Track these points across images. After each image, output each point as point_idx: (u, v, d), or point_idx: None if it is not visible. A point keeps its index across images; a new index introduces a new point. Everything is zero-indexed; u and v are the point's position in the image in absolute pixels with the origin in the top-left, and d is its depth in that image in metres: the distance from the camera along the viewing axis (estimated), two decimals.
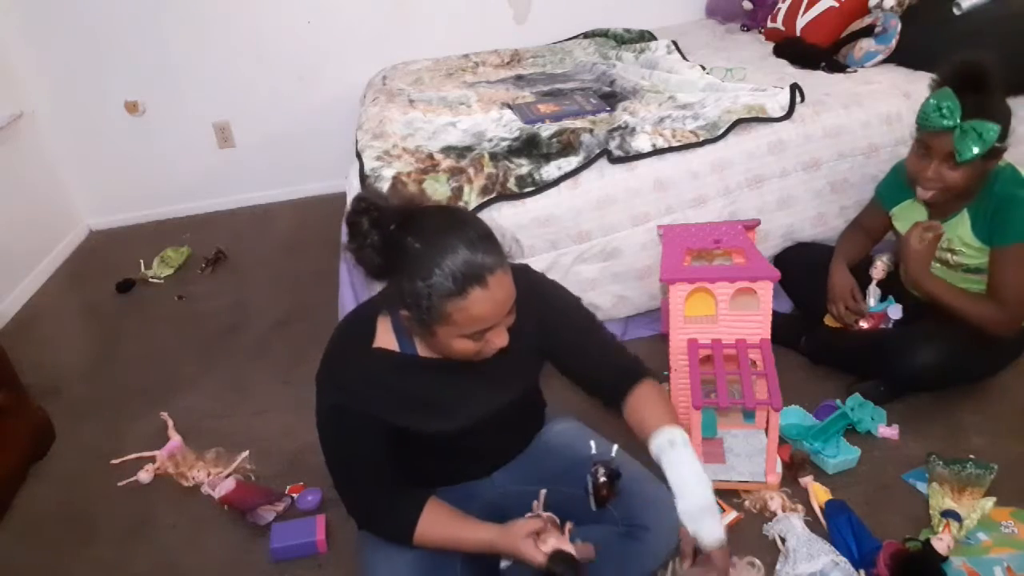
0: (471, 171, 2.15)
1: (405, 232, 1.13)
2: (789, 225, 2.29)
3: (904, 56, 2.57)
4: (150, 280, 3.16)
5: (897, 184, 2.01)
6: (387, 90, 2.98)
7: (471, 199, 2.10)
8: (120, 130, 3.54)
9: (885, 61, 2.62)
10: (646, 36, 3.30)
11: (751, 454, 1.82)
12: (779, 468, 1.77)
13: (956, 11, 2.49)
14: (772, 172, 2.24)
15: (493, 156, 2.22)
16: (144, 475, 2.04)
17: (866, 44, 2.66)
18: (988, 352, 1.90)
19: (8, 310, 3.02)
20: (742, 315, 1.80)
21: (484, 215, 2.10)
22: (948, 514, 1.58)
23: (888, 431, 1.88)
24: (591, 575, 1.35)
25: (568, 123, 2.38)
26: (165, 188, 3.71)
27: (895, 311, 1.99)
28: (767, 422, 1.71)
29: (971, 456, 1.74)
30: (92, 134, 3.54)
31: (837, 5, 2.81)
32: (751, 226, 2.05)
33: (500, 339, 1.20)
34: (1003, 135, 1.71)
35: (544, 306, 1.37)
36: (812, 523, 1.64)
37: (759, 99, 2.31)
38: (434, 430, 1.31)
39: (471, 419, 1.33)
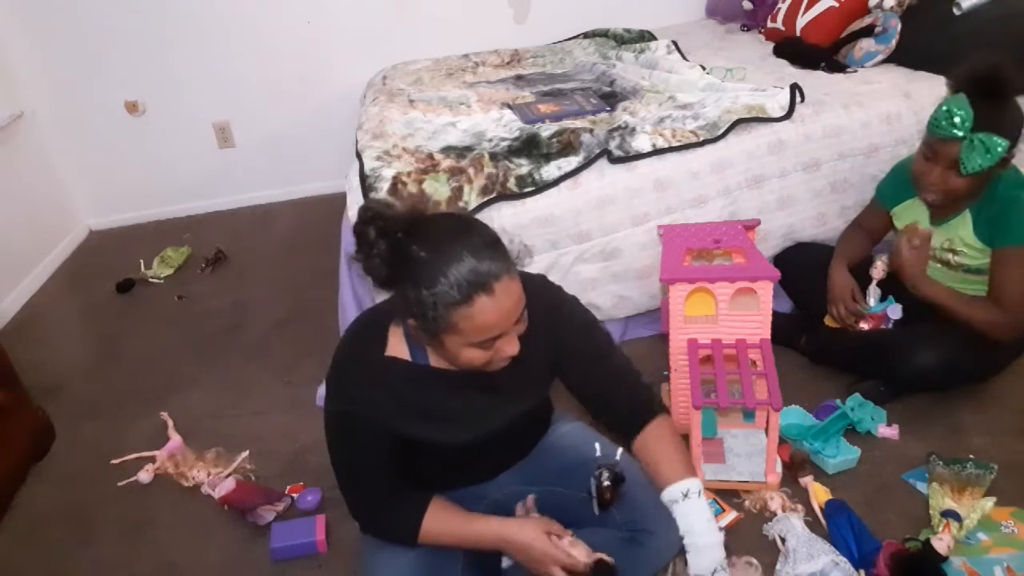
0: (471, 171, 2.15)
1: (411, 240, 1.12)
2: (789, 225, 2.29)
3: (904, 56, 2.57)
4: (150, 280, 3.16)
5: (898, 184, 2.01)
6: (387, 90, 2.98)
7: (471, 199, 2.10)
8: (120, 130, 3.54)
9: (885, 61, 2.62)
10: (646, 36, 3.30)
11: (751, 454, 1.82)
12: (779, 468, 1.77)
13: (956, 11, 2.49)
14: (772, 172, 2.24)
15: (493, 156, 2.22)
16: (144, 475, 2.04)
17: (866, 44, 2.66)
18: (988, 352, 1.90)
19: (8, 310, 3.02)
20: (742, 315, 1.80)
21: (484, 215, 2.10)
22: (948, 514, 1.58)
23: (888, 431, 1.88)
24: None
25: (568, 123, 2.38)
26: (165, 188, 3.71)
27: (895, 311, 1.99)
28: (767, 422, 1.71)
29: (971, 456, 1.74)
30: (92, 134, 3.54)
31: (837, 5, 2.81)
32: (751, 226, 2.05)
33: (511, 347, 1.17)
34: (1012, 145, 1.70)
35: (561, 321, 1.35)
36: (812, 523, 1.64)
37: (759, 99, 2.31)
38: (443, 441, 1.31)
39: (481, 432, 1.32)
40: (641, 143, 2.19)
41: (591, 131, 2.28)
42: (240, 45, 3.46)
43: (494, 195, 2.11)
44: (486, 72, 3.18)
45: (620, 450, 1.37)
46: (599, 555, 1.27)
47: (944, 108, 1.71)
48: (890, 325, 1.99)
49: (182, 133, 3.60)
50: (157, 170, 3.66)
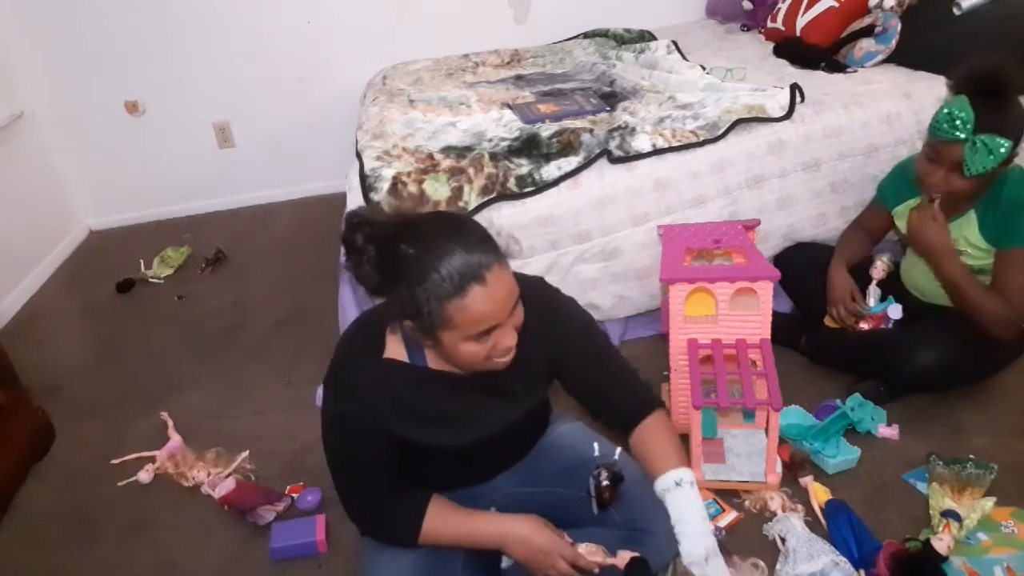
0: (471, 171, 2.15)
1: (399, 241, 1.12)
2: (789, 225, 2.29)
3: (904, 56, 2.57)
4: (150, 280, 3.16)
5: (900, 183, 2.01)
6: (387, 90, 2.98)
7: (471, 199, 2.10)
8: (120, 130, 3.54)
9: (885, 61, 2.62)
10: (646, 36, 3.30)
11: (751, 454, 1.82)
12: (779, 468, 1.77)
13: (956, 11, 2.49)
14: (772, 172, 2.24)
15: (493, 156, 2.22)
16: (144, 475, 2.04)
17: (866, 44, 2.66)
18: (988, 352, 1.90)
19: (8, 310, 3.02)
20: (742, 315, 1.80)
21: (484, 215, 2.10)
22: (948, 514, 1.58)
23: (888, 431, 1.88)
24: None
25: (568, 123, 2.38)
26: (165, 188, 3.71)
27: (895, 311, 1.99)
28: (767, 422, 1.71)
29: (971, 456, 1.74)
30: (92, 134, 3.54)
31: (837, 5, 2.81)
32: (751, 226, 2.05)
33: (508, 339, 1.17)
34: (1015, 145, 1.69)
35: (559, 323, 1.35)
36: (812, 523, 1.64)
37: (759, 99, 2.31)
38: (441, 444, 1.30)
39: (480, 434, 1.32)
40: (641, 143, 2.19)
41: (591, 131, 2.28)
42: (240, 45, 3.46)
43: (494, 195, 2.11)
44: (486, 72, 3.18)
45: (619, 449, 1.38)
46: (630, 553, 1.26)
47: (945, 111, 1.71)
48: (890, 325, 1.99)
49: (182, 133, 3.60)
50: (157, 170, 3.66)
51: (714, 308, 1.81)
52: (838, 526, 1.60)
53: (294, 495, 1.90)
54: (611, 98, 2.61)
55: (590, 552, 1.27)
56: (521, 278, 1.22)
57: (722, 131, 2.20)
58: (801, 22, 2.91)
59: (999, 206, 1.78)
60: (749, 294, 1.77)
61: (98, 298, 3.09)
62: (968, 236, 1.84)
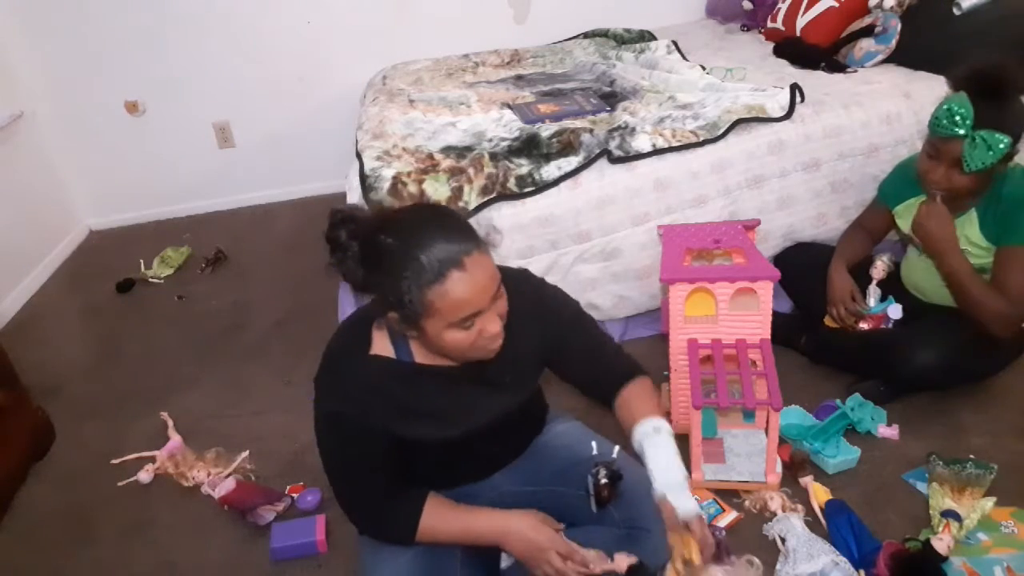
0: (471, 171, 2.15)
1: (380, 233, 1.14)
2: (789, 225, 2.29)
3: (904, 56, 2.57)
4: (150, 280, 3.16)
5: (901, 183, 2.01)
6: (387, 90, 2.98)
7: (471, 199, 2.10)
8: (120, 130, 3.54)
9: (885, 61, 2.62)
10: (646, 36, 3.30)
11: (751, 454, 1.82)
12: (779, 468, 1.77)
13: (956, 11, 2.49)
14: (772, 172, 2.24)
15: (493, 156, 2.22)
16: (144, 475, 2.04)
17: (866, 44, 2.66)
18: (988, 352, 1.90)
19: (8, 310, 3.02)
20: (742, 315, 1.80)
21: (484, 215, 2.10)
22: (948, 514, 1.58)
23: (888, 431, 1.88)
24: None
25: (568, 123, 2.38)
26: (165, 188, 3.71)
27: (895, 311, 1.99)
28: (767, 422, 1.71)
29: (971, 456, 1.74)
30: (92, 134, 3.54)
31: (837, 5, 2.81)
32: (751, 226, 2.05)
33: (492, 325, 1.18)
34: (1014, 141, 1.69)
35: (548, 314, 1.37)
36: (812, 523, 1.64)
37: (759, 99, 2.31)
38: (433, 438, 1.31)
39: (471, 427, 1.33)
40: (641, 143, 2.19)
41: (591, 131, 2.28)
42: (240, 45, 3.46)
43: (494, 195, 2.11)
44: (486, 72, 3.18)
45: (617, 448, 1.38)
46: (628, 558, 1.27)
47: (945, 107, 1.71)
48: (890, 325, 1.99)
49: (182, 133, 3.60)
50: (157, 170, 3.66)
51: (714, 308, 1.81)
52: (838, 526, 1.60)
53: (294, 495, 1.91)
54: (611, 98, 2.61)
55: (589, 558, 1.27)
56: (505, 270, 1.24)
57: (722, 131, 2.20)
58: (801, 22, 2.91)
59: (1000, 204, 1.79)
60: (749, 294, 1.77)
61: (98, 298, 3.09)
62: (969, 234, 1.84)
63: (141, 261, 3.25)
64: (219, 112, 3.60)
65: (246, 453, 2.07)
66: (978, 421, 1.90)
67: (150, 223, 3.74)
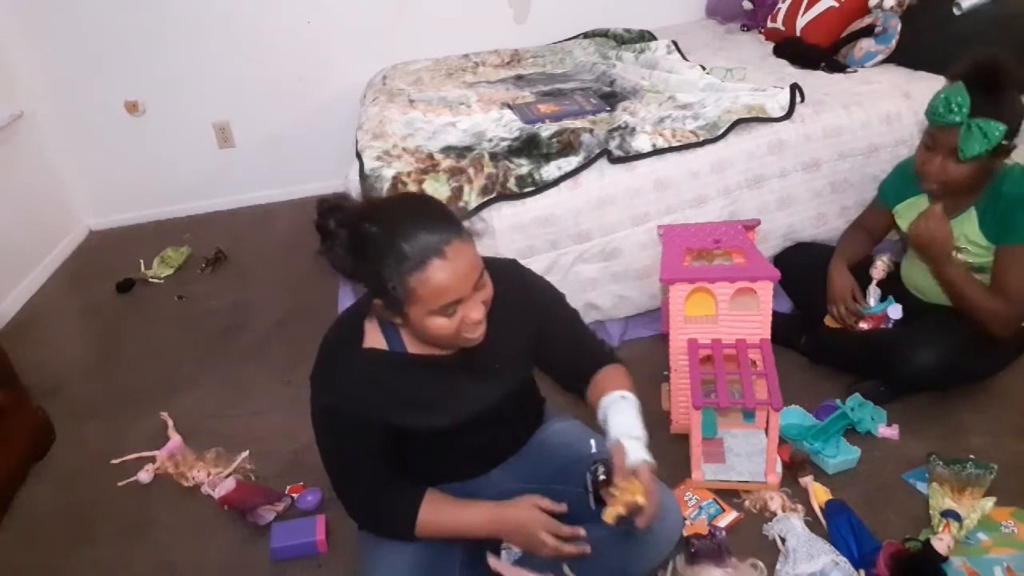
0: (471, 171, 2.15)
1: (365, 221, 1.16)
2: (789, 225, 2.29)
3: (904, 56, 2.57)
4: (150, 280, 3.16)
5: (901, 182, 2.01)
6: (387, 90, 2.98)
7: (471, 199, 2.10)
8: (120, 130, 3.54)
9: (885, 61, 2.62)
10: (646, 36, 3.30)
11: (751, 454, 1.82)
12: (779, 468, 1.77)
13: (956, 11, 2.49)
14: (772, 172, 2.24)
15: (493, 156, 2.22)
16: (144, 475, 2.04)
17: (866, 44, 2.66)
18: (988, 352, 1.90)
19: (8, 310, 3.02)
20: (742, 315, 1.80)
21: (484, 215, 2.10)
22: (948, 514, 1.58)
23: (888, 431, 1.88)
24: (591, 572, 1.35)
25: (568, 123, 2.38)
26: (165, 188, 3.71)
27: (895, 311, 1.99)
28: (767, 422, 1.71)
29: (971, 456, 1.74)
30: (92, 134, 3.54)
31: (837, 5, 2.81)
32: (751, 226, 2.05)
33: (475, 312, 1.19)
34: (1011, 134, 1.70)
35: (532, 301, 1.40)
36: (812, 523, 1.64)
37: (759, 99, 2.31)
38: (428, 426, 1.32)
39: (464, 415, 1.34)
40: (641, 143, 2.19)
41: (591, 131, 2.28)
42: (240, 45, 3.46)
43: (494, 195, 2.11)
44: (486, 72, 3.18)
45: None
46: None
47: (942, 96, 1.72)
48: (890, 325, 1.99)
49: (182, 133, 3.60)
50: (157, 170, 3.66)
51: (714, 308, 1.81)
52: (838, 526, 1.60)
53: (294, 495, 1.91)
54: (611, 98, 2.61)
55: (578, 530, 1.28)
56: (493, 260, 1.28)
57: (722, 131, 2.20)
58: (801, 22, 2.91)
59: (999, 203, 1.79)
60: (749, 294, 1.77)
61: (98, 298, 3.09)
62: (968, 233, 1.84)
63: (141, 261, 3.25)
64: (219, 112, 3.60)
65: (246, 453, 2.07)
66: (978, 421, 1.90)
67: (150, 223, 3.74)
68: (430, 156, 2.27)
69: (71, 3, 3.28)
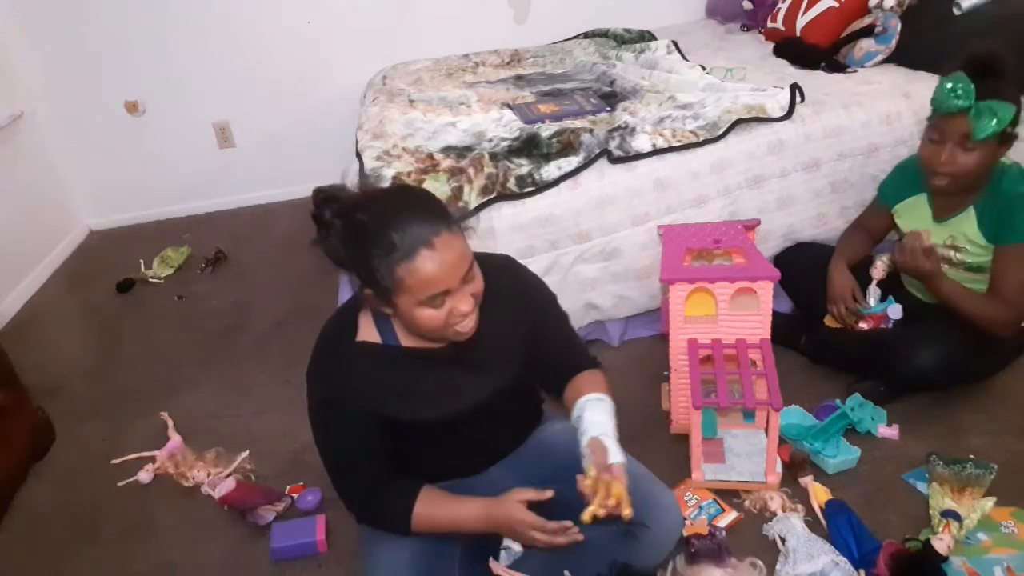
0: (471, 171, 2.15)
1: (357, 211, 1.18)
2: (789, 225, 2.29)
3: (904, 56, 2.57)
4: (150, 280, 3.16)
5: (900, 182, 2.01)
6: (387, 90, 2.98)
7: (471, 199, 2.10)
8: (120, 130, 3.54)
9: (885, 61, 2.62)
10: (646, 36, 3.30)
11: (751, 454, 1.82)
12: (779, 468, 1.76)
13: (956, 11, 2.49)
14: (772, 172, 2.24)
15: (493, 156, 2.22)
16: (144, 475, 2.04)
17: (866, 44, 2.66)
18: (988, 352, 1.90)
19: (8, 310, 3.02)
20: (742, 315, 1.80)
21: (484, 215, 2.10)
22: (948, 514, 1.58)
23: (888, 431, 1.88)
24: (591, 571, 1.35)
25: (568, 123, 2.38)
26: (165, 188, 3.71)
27: (895, 311, 1.99)
28: (767, 422, 1.71)
29: (971, 456, 1.74)
30: (92, 134, 3.54)
31: (837, 5, 2.81)
32: (751, 226, 2.05)
33: (463, 304, 1.20)
34: (1016, 119, 1.71)
35: (525, 298, 1.41)
36: (812, 523, 1.64)
37: (759, 99, 2.31)
38: (421, 418, 1.32)
39: (457, 408, 1.34)
40: (641, 143, 2.19)
41: (591, 131, 2.28)
42: (240, 45, 3.46)
43: (494, 195, 2.11)
44: (486, 72, 3.18)
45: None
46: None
47: (946, 84, 1.72)
48: (890, 325, 1.99)
49: (182, 133, 3.60)
50: (157, 170, 3.66)
51: (714, 308, 1.81)
52: (838, 526, 1.60)
53: (294, 495, 1.91)
54: (611, 98, 2.61)
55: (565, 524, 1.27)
56: (488, 256, 1.30)
57: (722, 131, 2.20)
58: (801, 22, 2.91)
59: (998, 201, 1.79)
60: (749, 294, 1.77)
61: (98, 298, 3.09)
62: (967, 232, 1.84)
63: (141, 261, 3.25)
64: (219, 112, 3.60)
65: (246, 453, 2.07)
66: (978, 421, 1.90)
67: (150, 223, 3.74)
68: (430, 156, 2.27)
69: (71, 3, 3.28)
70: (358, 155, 2.35)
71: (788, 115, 2.25)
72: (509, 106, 2.62)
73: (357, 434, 1.30)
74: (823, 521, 1.65)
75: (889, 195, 2.05)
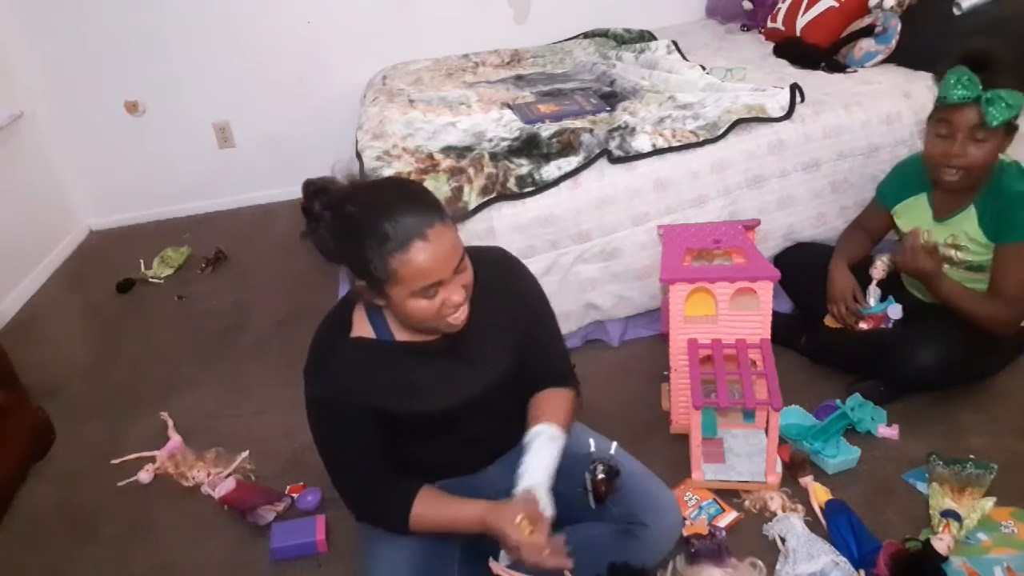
0: (471, 171, 2.15)
1: (348, 202, 1.18)
2: (789, 225, 2.29)
3: (904, 56, 2.57)
4: (150, 280, 3.16)
5: (900, 183, 2.01)
6: (387, 90, 2.98)
7: (471, 199, 2.10)
8: (120, 130, 3.54)
9: (885, 61, 2.62)
10: (646, 36, 3.30)
11: (751, 454, 1.82)
12: (779, 468, 1.76)
13: (956, 11, 2.49)
14: (772, 172, 2.24)
15: (493, 156, 2.22)
16: (144, 475, 2.04)
17: (866, 44, 2.66)
18: (988, 352, 1.90)
19: (8, 310, 3.02)
20: (742, 315, 1.80)
21: (484, 215, 2.10)
22: (948, 514, 1.58)
23: (888, 431, 1.88)
24: (590, 570, 1.35)
25: (568, 123, 2.38)
26: (165, 188, 3.71)
27: (895, 311, 1.99)
28: (767, 422, 1.71)
29: (971, 456, 1.74)
30: (92, 134, 3.54)
31: (837, 5, 2.81)
32: (751, 226, 2.05)
33: (455, 295, 1.21)
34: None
35: (518, 294, 1.41)
36: (812, 523, 1.64)
37: (759, 99, 2.31)
38: (416, 412, 1.33)
39: (452, 401, 1.35)
40: (641, 143, 2.19)
41: (591, 131, 2.28)
42: (240, 45, 3.46)
43: (494, 195, 2.11)
44: (486, 72, 3.18)
45: (614, 444, 1.39)
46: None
47: (951, 77, 1.72)
48: (890, 325, 1.99)
49: (182, 133, 3.60)
50: (157, 170, 3.66)
51: (714, 308, 1.81)
52: (838, 526, 1.60)
53: (294, 495, 1.91)
54: (611, 98, 2.61)
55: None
56: (480, 248, 1.31)
57: (722, 131, 2.20)
58: (801, 22, 2.91)
59: (998, 199, 1.79)
60: (749, 294, 1.77)
61: (98, 298, 3.09)
62: (968, 230, 1.84)
63: (141, 261, 3.25)
64: (219, 112, 3.60)
65: (246, 453, 2.07)
66: (978, 421, 1.90)
67: (150, 223, 3.74)
68: (430, 156, 2.27)
69: (71, 3, 3.28)
70: (358, 155, 2.35)
71: (788, 115, 2.25)
72: (509, 106, 2.62)
73: (354, 431, 1.31)
74: (823, 521, 1.65)
75: (888, 196, 2.05)
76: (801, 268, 2.18)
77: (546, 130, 2.33)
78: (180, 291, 3.05)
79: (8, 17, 3.27)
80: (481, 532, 1.32)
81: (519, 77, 3.05)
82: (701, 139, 2.20)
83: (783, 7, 3.04)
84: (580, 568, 1.37)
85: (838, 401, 1.94)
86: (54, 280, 3.31)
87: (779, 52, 2.90)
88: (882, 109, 2.31)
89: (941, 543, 1.47)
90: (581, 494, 1.37)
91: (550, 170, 2.16)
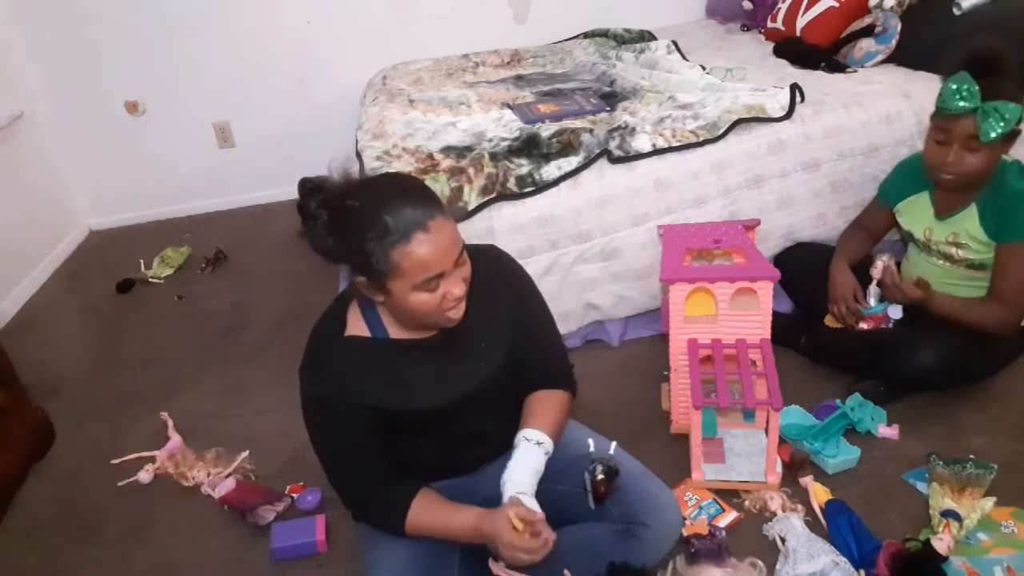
0: (471, 171, 2.15)
1: (347, 198, 1.18)
2: (789, 225, 2.29)
3: (904, 56, 2.57)
4: (150, 280, 3.16)
5: (902, 181, 2.01)
6: (387, 90, 2.98)
7: (471, 199, 2.10)
8: (120, 130, 3.54)
9: (885, 61, 2.62)
10: (646, 36, 3.30)
11: (751, 454, 1.82)
12: (779, 468, 1.76)
13: (956, 11, 2.49)
14: (772, 172, 2.24)
15: (493, 156, 2.22)
16: (144, 475, 2.04)
17: (866, 44, 2.66)
18: (988, 352, 1.90)
19: (8, 310, 3.02)
20: (742, 315, 1.80)
21: (484, 215, 2.10)
22: (948, 514, 1.58)
23: (888, 431, 1.88)
24: (590, 570, 1.35)
25: (568, 123, 2.38)
26: (165, 188, 3.71)
27: (895, 311, 1.99)
28: (767, 422, 1.71)
29: (971, 456, 1.74)
30: (92, 134, 3.54)
31: (837, 5, 2.81)
32: (751, 226, 2.05)
33: (456, 287, 1.22)
34: (1021, 117, 1.71)
35: (512, 290, 1.42)
36: (812, 523, 1.64)
37: (759, 99, 2.31)
38: (412, 409, 1.33)
39: (449, 397, 1.35)
40: (641, 143, 2.19)
41: (591, 131, 2.28)
42: (240, 45, 3.46)
43: (494, 195, 2.11)
44: (486, 72, 3.18)
45: (614, 444, 1.39)
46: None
47: (950, 85, 1.72)
48: (890, 325, 1.99)
49: (182, 133, 3.60)
50: (157, 170, 3.66)
51: (714, 308, 1.81)
52: (838, 526, 1.60)
53: (294, 495, 1.91)
54: (611, 98, 2.61)
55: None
56: (475, 246, 1.32)
57: (722, 131, 2.20)
58: (801, 22, 2.91)
59: (999, 198, 1.79)
60: (749, 294, 1.77)
61: (98, 298, 3.09)
62: (969, 229, 1.84)
63: (141, 261, 3.25)
64: (219, 112, 3.60)
65: (246, 453, 2.07)
66: (978, 421, 1.90)
67: (150, 223, 3.74)
68: (430, 156, 2.27)
69: (71, 3, 3.27)
70: (358, 155, 2.35)
71: (788, 115, 2.25)
72: (509, 106, 2.62)
73: (350, 429, 1.31)
74: (823, 521, 1.65)
75: (890, 194, 2.05)
76: (801, 268, 2.18)
77: (546, 130, 2.34)
78: (180, 291, 3.05)
79: (8, 17, 3.27)
80: (474, 541, 1.31)
81: (519, 77, 3.05)
82: (701, 139, 2.20)
83: (783, 7, 3.04)
84: (580, 568, 1.37)
85: (838, 401, 1.94)
86: (54, 280, 3.31)
87: (779, 52, 2.90)
88: (882, 109, 2.31)
89: (941, 543, 1.47)
90: (580, 494, 1.37)
91: (550, 170, 2.16)
